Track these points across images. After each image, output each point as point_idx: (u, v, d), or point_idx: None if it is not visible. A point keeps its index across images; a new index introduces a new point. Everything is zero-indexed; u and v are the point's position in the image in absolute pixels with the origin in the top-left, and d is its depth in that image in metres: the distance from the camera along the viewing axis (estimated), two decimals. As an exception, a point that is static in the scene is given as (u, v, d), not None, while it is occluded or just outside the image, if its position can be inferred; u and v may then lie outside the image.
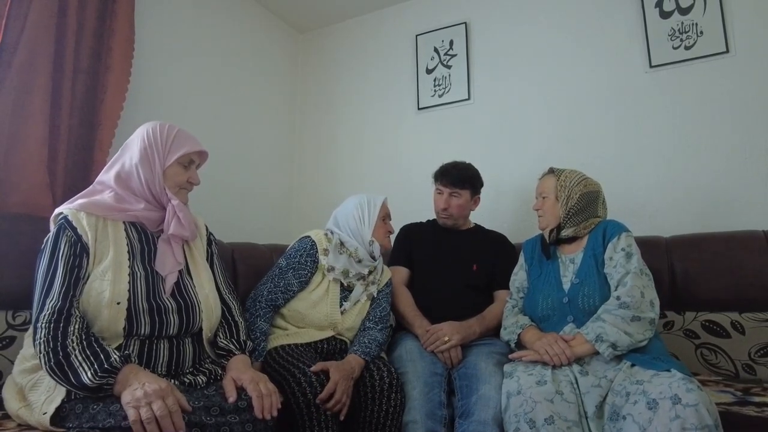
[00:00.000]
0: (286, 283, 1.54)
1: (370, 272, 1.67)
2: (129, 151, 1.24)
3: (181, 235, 1.24)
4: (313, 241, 1.62)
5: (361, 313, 1.64)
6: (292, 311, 1.56)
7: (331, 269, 1.59)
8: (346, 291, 1.63)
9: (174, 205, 1.23)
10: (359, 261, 1.64)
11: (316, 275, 1.60)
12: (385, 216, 1.74)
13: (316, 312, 1.55)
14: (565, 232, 1.55)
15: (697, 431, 1.03)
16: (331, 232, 1.69)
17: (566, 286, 1.49)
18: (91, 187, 1.24)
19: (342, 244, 1.64)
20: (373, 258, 1.68)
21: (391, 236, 1.78)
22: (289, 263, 1.58)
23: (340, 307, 1.59)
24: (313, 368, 1.32)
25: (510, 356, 1.40)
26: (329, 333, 1.56)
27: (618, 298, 1.35)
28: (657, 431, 1.07)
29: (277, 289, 1.53)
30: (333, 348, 1.56)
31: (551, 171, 1.65)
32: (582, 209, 1.54)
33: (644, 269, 1.41)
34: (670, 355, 1.34)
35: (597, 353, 1.31)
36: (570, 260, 1.54)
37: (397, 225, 2.01)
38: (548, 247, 1.59)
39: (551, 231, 1.57)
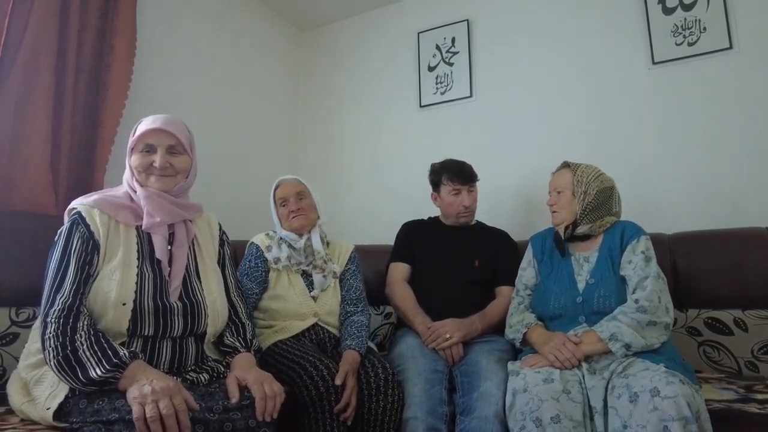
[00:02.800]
0: (245, 289, 1.57)
1: (317, 256, 1.66)
2: None
3: (153, 224, 1.18)
4: (257, 245, 1.69)
5: (335, 296, 1.67)
6: (270, 311, 1.60)
7: (278, 260, 1.64)
8: (310, 278, 1.66)
9: (139, 194, 1.19)
10: (294, 245, 1.67)
11: (271, 274, 1.65)
12: (279, 200, 1.72)
13: (289, 304, 1.59)
14: (581, 229, 1.52)
15: (674, 422, 1.03)
16: (274, 231, 1.75)
17: (581, 285, 1.47)
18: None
19: (281, 237, 1.69)
20: (298, 237, 1.67)
21: (295, 216, 1.69)
22: (242, 272, 1.63)
23: (309, 293, 1.63)
24: (338, 381, 1.31)
25: (520, 366, 1.38)
26: (312, 320, 1.59)
27: (636, 301, 1.33)
28: (637, 423, 1.08)
29: None
30: (321, 338, 1.59)
31: (567, 165, 1.60)
32: (598, 206, 1.51)
33: (660, 273, 1.39)
34: (682, 358, 1.32)
35: (606, 352, 1.30)
36: (584, 259, 1.51)
37: (398, 222, 2.02)
38: (563, 243, 1.55)
39: (566, 227, 1.54)
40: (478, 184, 1.89)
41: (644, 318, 1.30)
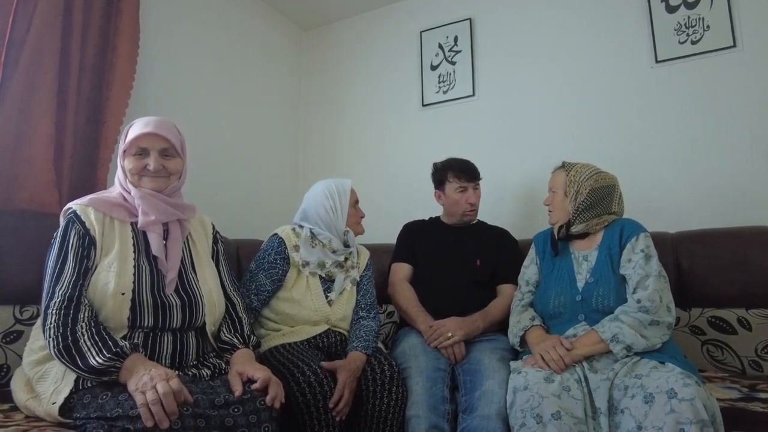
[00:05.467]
0: (258, 285, 1.53)
1: (347, 258, 1.66)
2: None
3: (148, 222, 1.19)
4: (281, 239, 1.58)
5: (350, 301, 1.63)
6: (280, 314, 1.55)
7: (306, 264, 1.57)
8: (328, 282, 1.62)
9: (133, 194, 1.21)
10: (334, 251, 1.62)
11: (290, 272, 1.57)
12: (355, 202, 1.70)
13: (304, 309, 1.54)
14: (575, 229, 1.52)
15: (691, 425, 1.02)
16: (300, 226, 1.65)
17: (580, 284, 1.46)
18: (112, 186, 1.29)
19: (314, 236, 1.61)
20: (348, 246, 1.66)
21: (363, 221, 1.74)
22: (258, 265, 1.56)
23: (326, 298, 1.58)
24: (325, 365, 1.32)
25: (522, 365, 1.37)
26: (324, 327, 1.55)
27: (638, 301, 1.32)
28: (652, 425, 1.07)
29: (249, 293, 1.52)
30: (332, 341, 1.56)
31: (562, 165, 1.61)
32: (592, 205, 1.50)
33: (662, 272, 1.38)
34: (684, 356, 1.32)
35: (607, 352, 1.30)
36: (584, 257, 1.51)
37: (400, 221, 2.02)
38: (557, 243, 1.56)
39: (560, 227, 1.55)
40: (480, 182, 1.89)
41: (646, 318, 1.29)
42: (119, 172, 1.25)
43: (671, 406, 1.05)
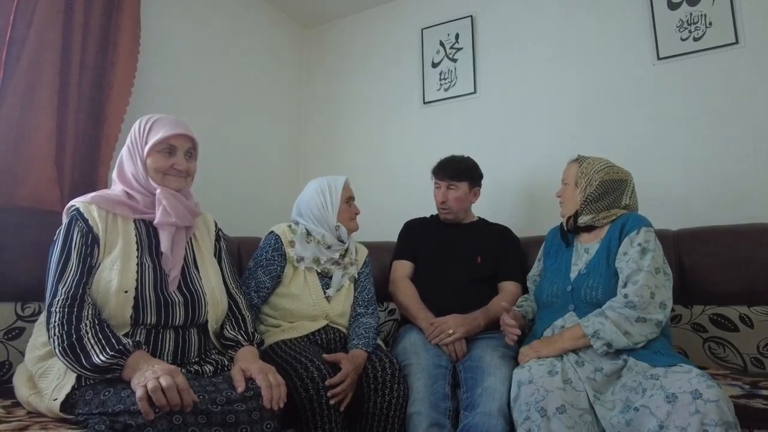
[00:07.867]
0: (257, 282, 1.54)
1: (343, 255, 1.67)
2: (124, 147, 1.27)
3: (167, 222, 1.21)
4: (277, 236, 1.61)
5: (348, 298, 1.64)
6: (279, 310, 1.56)
7: (301, 259, 1.58)
8: (326, 278, 1.62)
9: (158, 194, 1.21)
10: (328, 247, 1.63)
11: (287, 269, 1.59)
12: (348, 198, 1.70)
13: (302, 304, 1.55)
14: (582, 220, 1.51)
15: (717, 427, 1.01)
16: (296, 223, 1.68)
17: (573, 275, 1.47)
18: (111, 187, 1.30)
19: (308, 233, 1.63)
20: (342, 242, 1.67)
21: (357, 218, 1.74)
22: (256, 262, 1.58)
23: (324, 294, 1.59)
24: (327, 357, 1.33)
25: (519, 360, 1.41)
26: (323, 322, 1.56)
27: (626, 296, 1.30)
28: (675, 424, 1.05)
29: (249, 290, 1.52)
30: (331, 338, 1.56)
31: (577, 158, 1.61)
32: (600, 197, 1.50)
33: (664, 267, 1.36)
34: (674, 349, 1.31)
35: (590, 346, 1.30)
36: (585, 250, 1.51)
37: (402, 219, 2.02)
38: (566, 234, 1.57)
39: (569, 218, 1.55)
40: (482, 180, 1.89)
41: (632, 314, 1.27)
42: (135, 170, 1.23)
43: (696, 407, 1.04)
